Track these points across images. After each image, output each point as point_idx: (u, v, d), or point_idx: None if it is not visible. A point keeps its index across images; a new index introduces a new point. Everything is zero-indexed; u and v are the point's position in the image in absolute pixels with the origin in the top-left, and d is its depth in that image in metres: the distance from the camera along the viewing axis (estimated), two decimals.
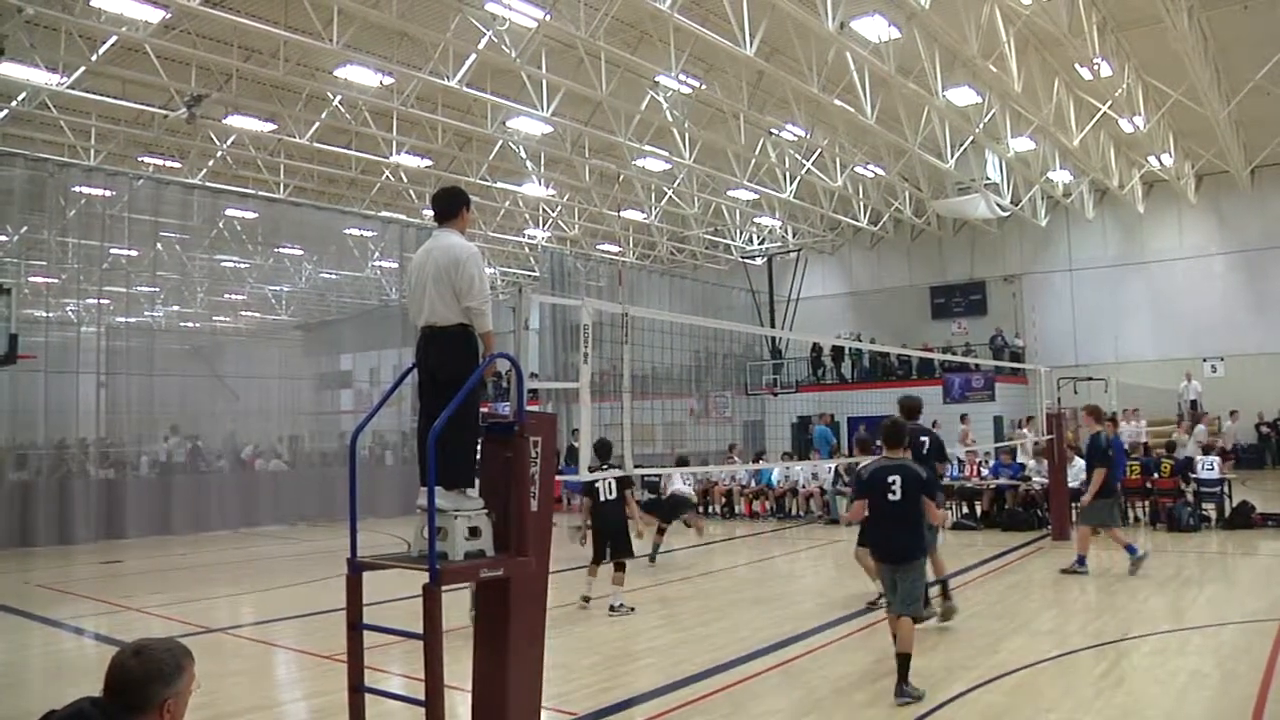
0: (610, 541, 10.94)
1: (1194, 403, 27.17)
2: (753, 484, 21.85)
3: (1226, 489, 17.14)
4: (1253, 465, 27.42)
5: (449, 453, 5.33)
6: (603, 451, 11.31)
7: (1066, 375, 22.39)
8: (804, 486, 21.00)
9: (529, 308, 6.02)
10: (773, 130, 24.97)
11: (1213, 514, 16.98)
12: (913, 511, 7.41)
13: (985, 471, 19.34)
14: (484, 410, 6.06)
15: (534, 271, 37.17)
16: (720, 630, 10.09)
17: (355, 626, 5.36)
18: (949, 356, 26.72)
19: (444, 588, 5.01)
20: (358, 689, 5.34)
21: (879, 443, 8.01)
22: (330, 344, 31.10)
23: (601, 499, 10.88)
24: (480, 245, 28.96)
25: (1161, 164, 28.08)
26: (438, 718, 4.97)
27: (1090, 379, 23.78)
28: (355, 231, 28.48)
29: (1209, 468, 16.89)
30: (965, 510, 18.86)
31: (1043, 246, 34.07)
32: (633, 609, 10.72)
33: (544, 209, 32.86)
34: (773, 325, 37.74)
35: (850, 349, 33.55)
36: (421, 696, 4.93)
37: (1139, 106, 23.27)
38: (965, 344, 32.51)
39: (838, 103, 21.43)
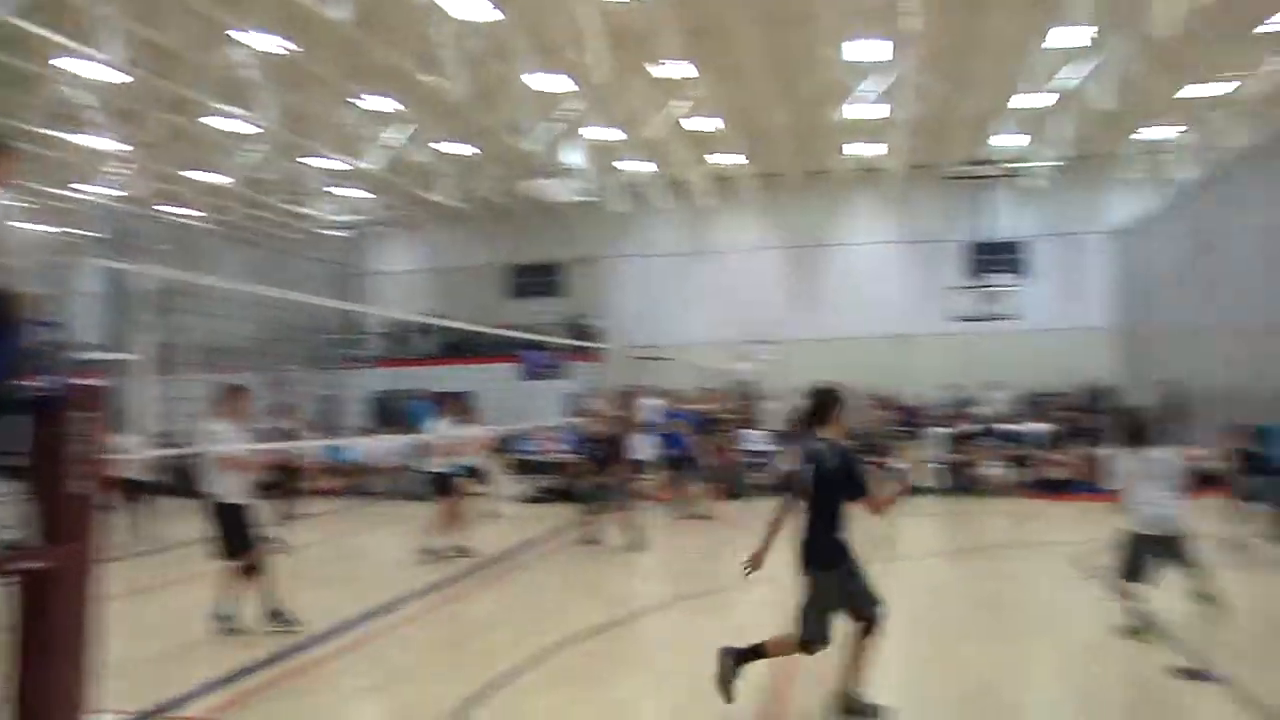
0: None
1: (746, 383, 29.70)
2: (327, 461, 21.14)
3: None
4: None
5: None
6: None
7: (637, 355, 23.66)
8: (381, 463, 20.64)
9: (83, 271, 5.41)
10: (360, 100, 24.24)
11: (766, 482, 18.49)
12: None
13: (559, 446, 19.98)
14: (26, 384, 5.35)
15: (93, 232, 33.70)
16: (301, 608, 9.68)
17: None
18: (527, 335, 27.27)
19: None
20: None
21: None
22: None
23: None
24: (30, 200, 25.82)
25: (727, 162, 30.56)
26: None
27: (659, 358, 25.29)
28: None
29: (755, 441, 18.54)
30: (540, 483, 19.35)
31: (619, 232, 35.80)
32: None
33: (107, 163, 29.78)
34: (352, 299, 36.80)
35: (430, 325, 33.51)
36: None
37: (711, 106, 25.10)
38: (543, 323, 33.50)
39: (427, 77, 21.17)
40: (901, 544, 13.78)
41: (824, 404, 6.31)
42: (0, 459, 4.97)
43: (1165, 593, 7.80)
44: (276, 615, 8.47)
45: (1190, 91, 23.86)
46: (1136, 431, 8.04)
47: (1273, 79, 23.21)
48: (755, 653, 6.17)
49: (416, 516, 16.29)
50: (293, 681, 7.16)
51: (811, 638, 5.93)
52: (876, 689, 6.08)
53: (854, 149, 30.21)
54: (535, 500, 18.66)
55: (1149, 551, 7.69)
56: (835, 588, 5.90)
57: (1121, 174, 32.30)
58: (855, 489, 5.87)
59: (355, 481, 20.81)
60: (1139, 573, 7.74)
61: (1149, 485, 7.69)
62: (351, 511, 18.15)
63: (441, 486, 12.35)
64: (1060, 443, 18.01)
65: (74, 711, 5.15)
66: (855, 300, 33.41)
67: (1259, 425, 17.15)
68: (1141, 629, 7.63)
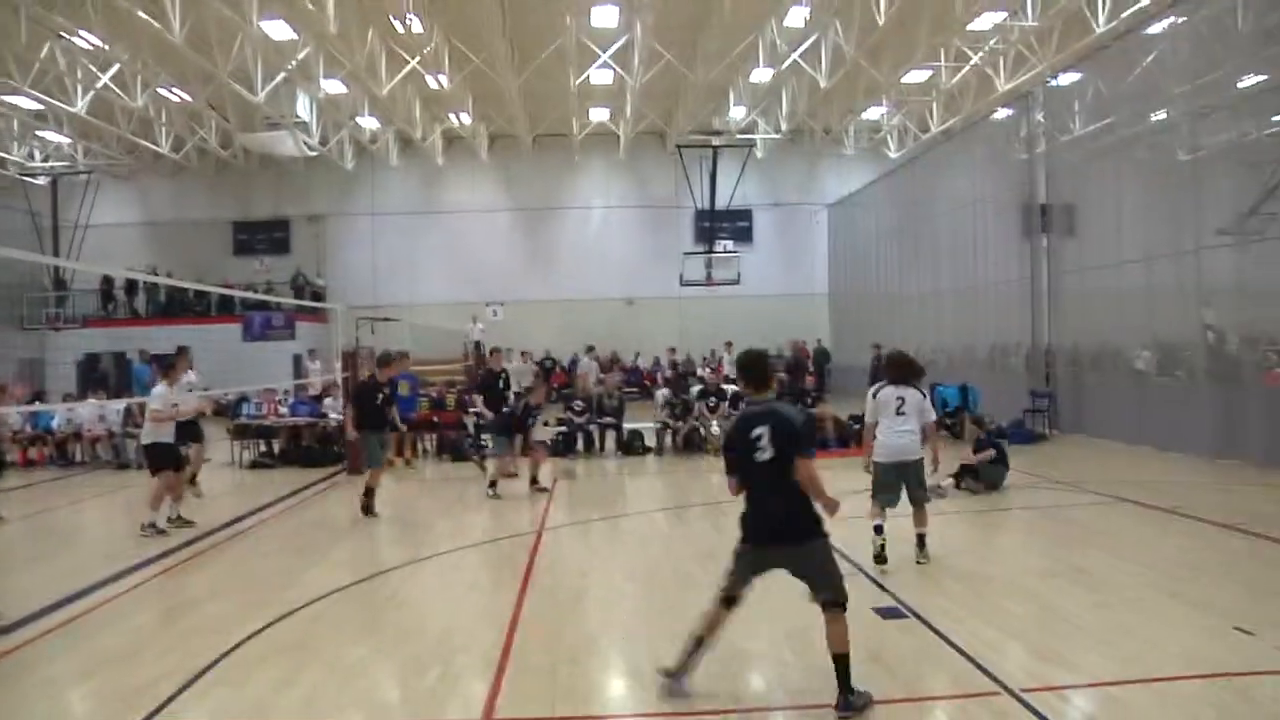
0: None
1: (478, 344, 29.65)
2: (28, 429, 19.58)
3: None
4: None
5: None
6: None
7: (365, 315, 23.15)
8: (89, 430, 19.31)
9: None
10: (64, 35, 22.28)
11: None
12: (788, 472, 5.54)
13: (284, 409, 19.36)
14: None
15: None
16: None
17: None
18: (250, 294, 26.23)
19: None
20: None
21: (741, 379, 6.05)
22: None
23: None
24: None
25: (460, 122, 30.19)
26: None
27: (387, 319, 24.86)
28: None
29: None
30: (263, 448, 18.72)
31: (348, 189, 34.82)
32: None
33: None
34: (56, 254, 33.94)
35: (145, 282, 31.49)
36: None
37: (444, 66, 24.72)
38: (267, 282, 32.22)
39: (142, 15, 19.75)
40: (629, 500, 14.33)
41: (764, 367, 5.84)
42: None
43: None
44: None
45: (902, 76, 25.65)
46: (900, 370, 8.90)
47: (966, 69, 25.37)
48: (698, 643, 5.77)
49: (129, 486, 15.53)
50: None
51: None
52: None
53: (588, 113, 30.66)
54: (257, 466, 18.02)
55: (893, 477, 8.75)
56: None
57: (839, 150, 34.41)
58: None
59: (60, 451, 19.35)
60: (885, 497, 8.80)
61: (897, 419, 8.69)
62: (57, 484, 16.93)
63: (163, 457, 11.66)
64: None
65: None
66: (587, 263, 34.02)
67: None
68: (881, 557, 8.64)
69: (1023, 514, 11.77)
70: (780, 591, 5.92)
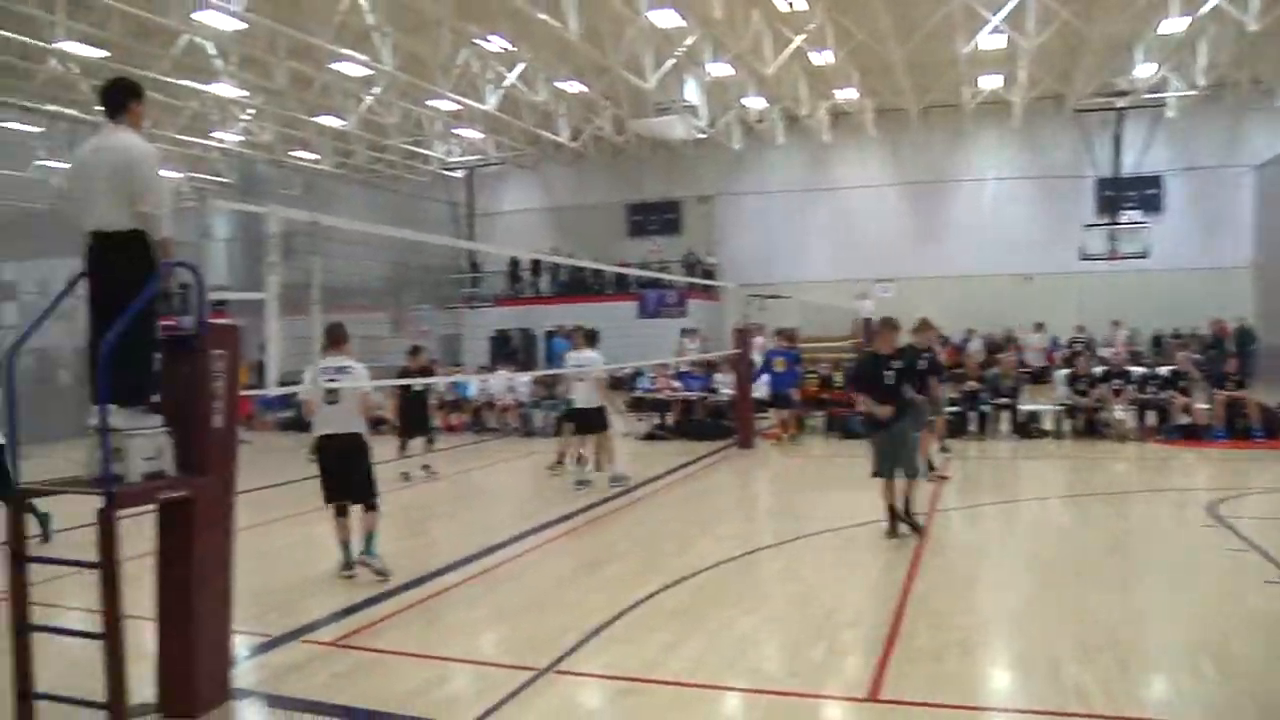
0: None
1: (867, 320, 29.21)
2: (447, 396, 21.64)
3: None
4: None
5: (124, 366, 4.93)
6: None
7: (755, 293, 23.50)
8: (500, 400, 21.06)
9: (213, 215, 5.63)
10: (476, 40, 24.43)
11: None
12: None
13: (676, 384, 20.10)
14: (166, 323, 5.63)
15: (222, 178, 34.86)
16: (418, 545, 10.08)
17: (18, 559, 4.91)
18: (644, 273, 27.42)
19: (121, 512, 4.68)
20: (22, 630, 4.89)
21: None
22: None
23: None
24: (164, 148, 26.69)
25: (846, 98, 29.94)
26: (117, 651, 4.67)
27: (776, 296, 25.07)
28: (15, 126, 25.57)
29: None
30: (658, 420, 19.55)
31: (736, 169, 35.47)
32: None
33: (234, 111, 30.71)
34: (471, 239, 37.36)
35: (548, 263, 33.86)
36: (100, 630, 4.60)
37: (829, 41, 24.58)
38: (660, 261, 33.47)
39: (543, 16, 21.23)
40: (1024, 487, 13.62)
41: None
42: (142, 394, 5.24)
43: None
44: None
45: None
46: None
47: None
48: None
49: (535, 452, 16.78)
50: (418, 611, 7.46)
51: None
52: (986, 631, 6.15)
53: (977, 81, 29.26)
54: (651, 437, 18.83)
55: None
56: None
57: (1270, 103, 30.50)
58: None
59: (475, 418, 21.28)
60: None
61: None
62: (473, 448, 18.60)
63: (591, 420, 13.02)
64: (1190, 386, 17.29)
65: (216, 633, 5.46)
66: (978, 237, 32.48)
67: None
68: None
69: None
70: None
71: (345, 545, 8.47)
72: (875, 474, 9.43)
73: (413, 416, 14.76)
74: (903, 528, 9.39)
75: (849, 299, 29.70)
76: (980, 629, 6.75)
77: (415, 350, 15.02)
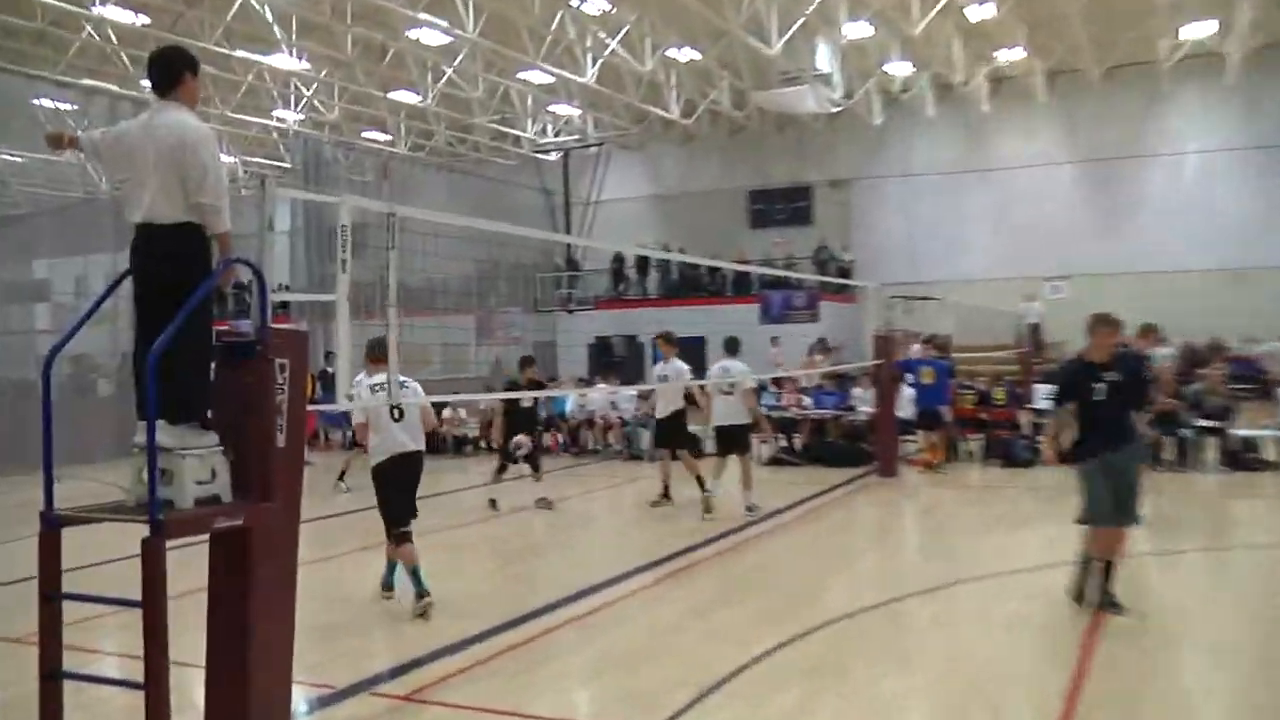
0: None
1: (1035, 326, 28.64)
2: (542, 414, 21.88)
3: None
4: None
5: (174, 378, 5.03)
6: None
7: (898, 294, 23.22)
8: (601, 417, 21.18)
9: (275, 204, 5.75)
10: (572, 2, 24.64)
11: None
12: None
13: (806, 400, 19.95)
14: (221, 329, 5.77)
15: (283, 162, 35.85)
16: (508, 581, 10.19)
17: (51, 597, 4.99)
18: (768, 270, 27.30)
19: (170, 542, 4.79)
20: (52, 676, 4.97)
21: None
22: (18, 246, 29.11)
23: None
24: (215, 127, 27.50)
25: (1009, 59, 29.32)
26: (161, 703, 4.74)
27: (925, 298, 24.73)
28: (48, 103, 26.56)
29: (1048, 397, 17.77)
30: (783, 443, 19.42)
31: (877, 148, 35.12)
32: None
33: (296, 86, 31.56)
34: (568, 231, 37.72)
35: (656, 260, 33.97)
36: (140, 678, 4.70)
37: None
38: (787, 257, 33.29)
39: None
40: (1237, 532, 13.16)
41: None
42: (194, 409, 5.35)
43: None
44: None
45: None
46: None
47: None
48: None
49: (639, 478, 16.83)
50: (505, 660, 7.50)
51: None
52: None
53: (1178, 32, 28.26)
54: (777, 462, 18.71)
55: None
56: None
57: None
58: None
59: (572, 438, 21.45)
60: None
61: None
62: (570, 471, 18.72)
63: (736, 439, 13.56)
64: None
65: (273, 684, 5.54)
66: (1176, 225, 31.45)
67: None
68: None
69: None
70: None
71: (395, 566, 9.16)
72: (1085, 520, 8.47)
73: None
74: (1092, 589, 8.45)
75: (1012, 301, 29.11)
76: (1184, 701, 6.55)
77: (527, 362, 15.39)
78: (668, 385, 14.02)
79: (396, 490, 8.90)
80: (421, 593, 8.69)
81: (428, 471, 9.15)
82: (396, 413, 8.29)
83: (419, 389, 9.11)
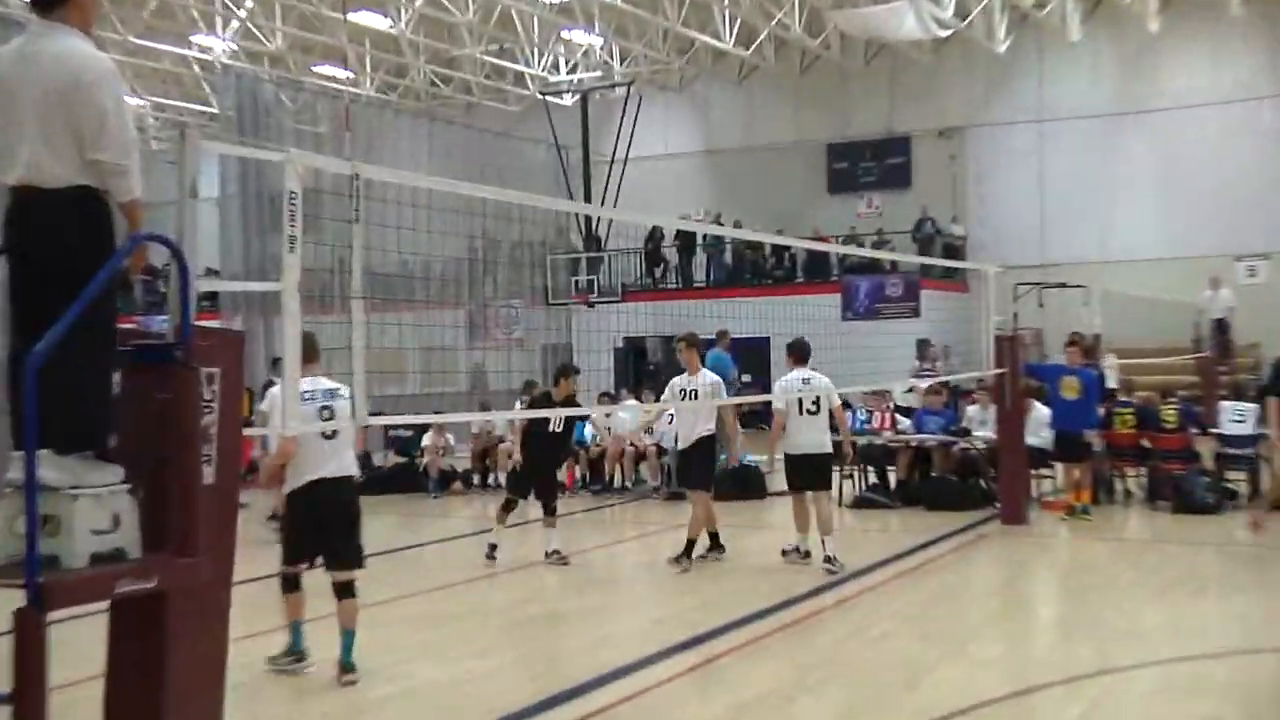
0: None
1: (1220, 321, 28.25)
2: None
3: (1263, 451, 17.08)
4: None
5: (63, 394, 4.97)
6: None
7: (1029, 280, 23.10)
8: (630, 443, 21.07)
9: (199, 163, 5.70)
10: None
11: (1243, 488, 17.52)
12: None
13: (904, 422, 19.80)
14: (127, 326, 5.74)
15: (209, 105, 36.02)
16: (505, 665, 10.11)
17: None
18: (853, 250, 27.23)
19: (56, 614, 4.73)
20: None
21: None
22: None
23: None
24: (117, 58, 27.59)
25: None
26: None
27: (1064, 285, 24.53)
28: None
29: (1238, 418, 17.50)
30: (874, 478, 19.30)
31: (1000, 86, 34.90)
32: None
33: (225, 3, 31.63)
34: (588, 199, 37.65)
35: (705, 237, 33.81)
36: None
37: None
38: (878, 231, 33.08)
39: None
40: None
41: None
42: (91, 435, 5.29)
43: None
44: None
45: None
46: None
47: None
48: None
49: (681, 523, 16.74)
50: None
51: None
52: None
53: None
54: (865, 504, 18.59)
55: None
56: None
57: None
58: None
59: (593, 471, 21.41)
60: None
61: None
62: (591, 515, 18.70)
63: (823, 471, 13.96)
64: None
65: None
66: None
67: None
68: None
69: None
70: None
71: (298, 627, 9.30)
72: None
73: (544, 469, 14.90)
74: None
75: (1189, 289, 28.82)
76: None
77: (565, 373, 14.86)
78: (692, 404, 13.82)
79: (304, 521, 9.21)
80: (298, 649, 9.12)
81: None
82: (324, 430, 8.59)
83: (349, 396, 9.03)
